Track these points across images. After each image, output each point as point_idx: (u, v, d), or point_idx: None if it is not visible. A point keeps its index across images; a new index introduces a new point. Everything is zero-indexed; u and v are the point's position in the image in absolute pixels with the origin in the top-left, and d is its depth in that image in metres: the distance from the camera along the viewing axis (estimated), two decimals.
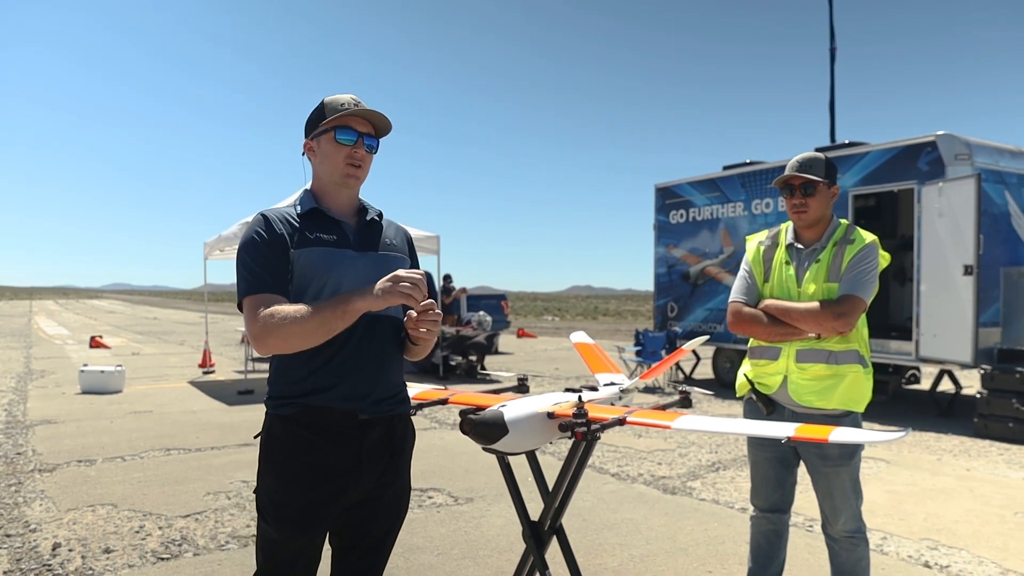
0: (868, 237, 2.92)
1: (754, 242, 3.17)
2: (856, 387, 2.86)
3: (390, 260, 2.21)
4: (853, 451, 2.86)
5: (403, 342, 2.24)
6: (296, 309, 1.96)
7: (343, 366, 2.07)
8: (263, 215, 2.12)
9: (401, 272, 1.96)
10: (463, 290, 16.47)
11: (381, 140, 2.23)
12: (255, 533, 2.21)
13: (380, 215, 2.29)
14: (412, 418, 2.35)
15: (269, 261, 2.05)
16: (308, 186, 2.24)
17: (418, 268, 2.36)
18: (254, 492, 2.16)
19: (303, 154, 2.24)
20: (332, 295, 2.05)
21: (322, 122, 2.15)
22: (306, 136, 2.21)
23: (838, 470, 2.85)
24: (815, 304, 2.84)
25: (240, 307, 2.05)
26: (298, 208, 2.15)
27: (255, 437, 2.21)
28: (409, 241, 2.39)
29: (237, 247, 2.12)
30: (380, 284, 1.95)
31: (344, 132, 2.13)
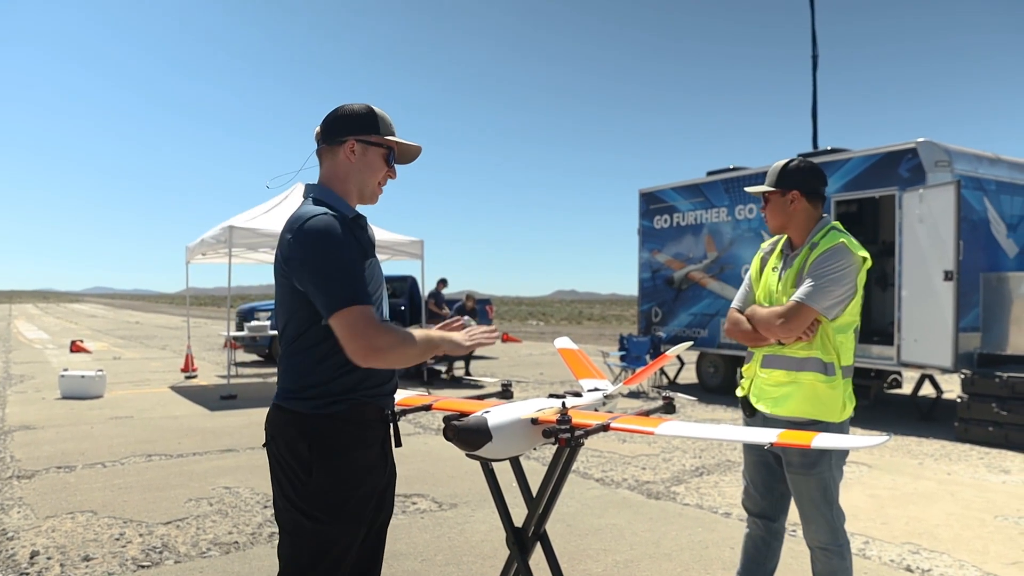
0: (834, 240, 2.84)
1: (760, 249, 3.22)
2: (814, 396, 2.79)
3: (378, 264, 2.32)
4: (814, 462, 2.79)
5: None
6: (408, 336, 2.06)
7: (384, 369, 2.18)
8: (338, 220, 2.06)
9: (478, 333, 2.23)
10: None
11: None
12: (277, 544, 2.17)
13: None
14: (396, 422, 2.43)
15: (362, 270, 2.08)
16: (330, 187, 2.20)
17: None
18: (296, 500, 2.06)
19: (341, 147, 2.19)
20: (374, 303, 2.12)
21: (377, 134, 2.21)
22: (351, 133, 2.17)
23: (801, 479, 2.83)
24: (769, 310, 2.90)
25: (333, 308, 1.96)
26: (346, 213, 2.16)
27: (264, 446, 2.21)
28: None
29: (314, 243, 2.01)
30: (470, 339, 2.21)
31: (393, 156, 2.26)
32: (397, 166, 2.32)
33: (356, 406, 2.10)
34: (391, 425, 2.27)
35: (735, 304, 3.14)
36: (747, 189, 3.07)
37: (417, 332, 2.10)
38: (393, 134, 2.26)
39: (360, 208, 2.27)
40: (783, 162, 3.00)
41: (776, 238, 3.17)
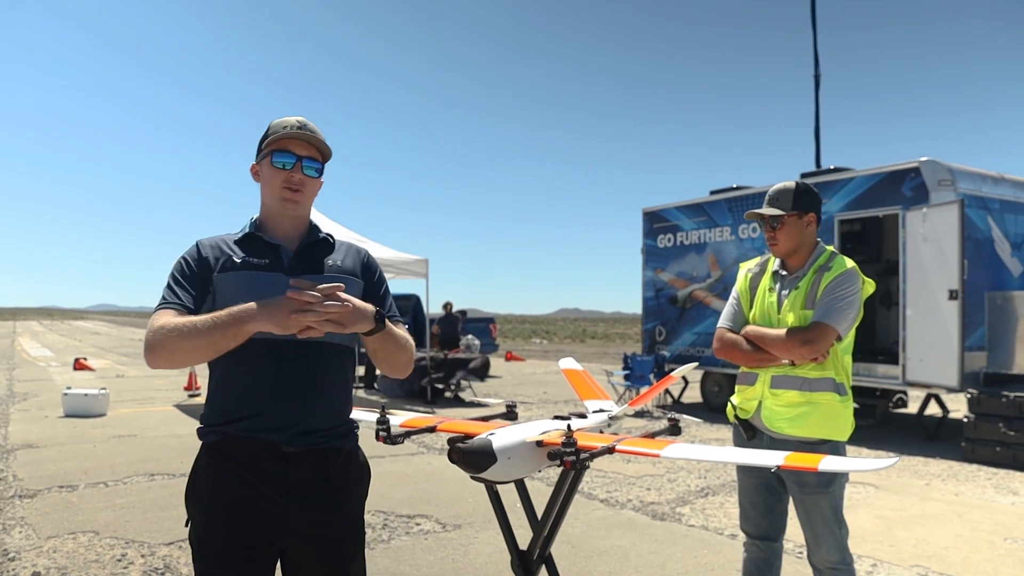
0: (846, 264, 2.92)
1: (744, 269, 3.20)
2: (832, 416, 2.85)
3: (328, 282, 2.03)
4: (831, 479, 2.82)
5: (349, 368, 2.16)
6: (186, 322, 1.84)
7: (264, 394, 1.97)
8: (196, 242, 2.10)
9: (304, 288, 1.75)
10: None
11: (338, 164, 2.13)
12: None
13: (330, 237, 2.21)
14: (362, 452, 2.20)
15: (188, 281, 2.01)
16: (261, 211, 2.16)
17: (386, 288, 2.27)
18: (185, 525, 2.06)
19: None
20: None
21: (264, 145, 2.09)
22: (255, 159, 2.15)
23: (815, 498, 2.83)
24: (780, 331, 2.88)
25: None
26: (242, 231, 2.12)
27: None
28: (366, 262, 2.24)
29: None
30: (287, 305, 1.76)
31: (281, 155, 2.05)
32: (326, 165, 2.13)
33: (230, 439, 1.98)
34: (291, 467, 1.98)
35: (724, 324, 3.11)
36: (765, 211, 2.96)
37: (208, 318, 1.83)
38: (283, 133, 2.05)
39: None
40: (792, 184, 3.00)
41: (763, 259, 3.17)
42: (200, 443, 2.06)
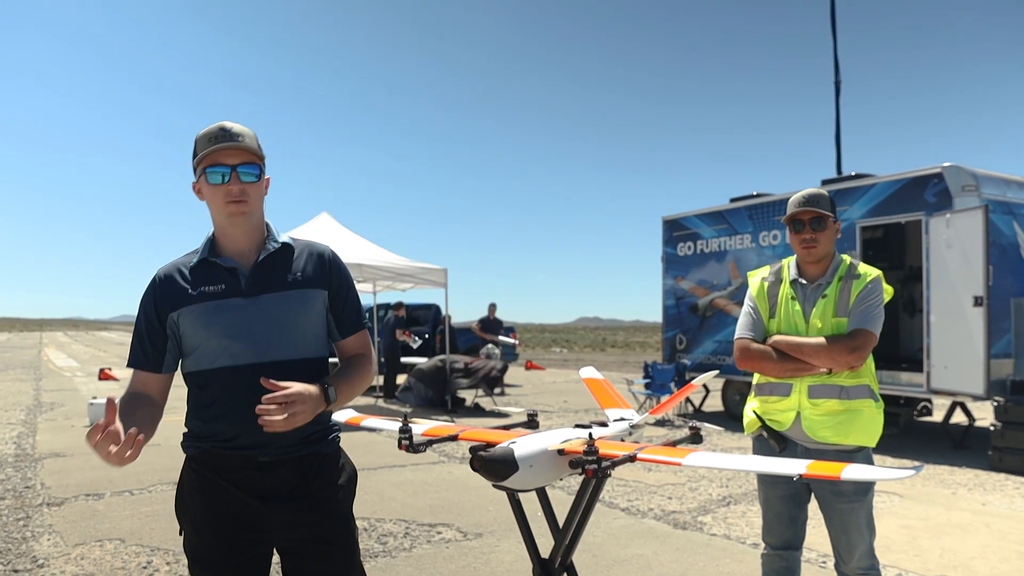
0: (873, 272, 2.94)
1: (757, 278, 3.17)
2: (872, 422, 2.87)
3: (289, 300, 2.07)
4: (867, 487, 2.85)
5: (323, 376, 2.12)
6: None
7: (237, 418, 1.99)
8: (154, 277, 2.10)
9: None
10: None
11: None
12: None
13: (290, 241, 2.16)
14: (344, 454, 2.25)
15: (148, 331, 2.07)
16: (214, 230, 2.14)
17: (349, 292, 2.24)
18: (179, 534, 2.13)
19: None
20: (214, 351, 2.02)
21: (196, 163, 2.04)
22: (194, 178, 2.10)
23: (853, 506, 2.83)
24: (827, 339, 2.85)
25: None
26: (199, 257, 2.09)
27: None
28: (329, 265, 2.19)
29: None
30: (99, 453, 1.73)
31: (214, 170, 1.99)
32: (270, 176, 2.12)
33: (209, 453, 2.06)
34: (267, 475, 2.04)
35: (746, 334, 3.06)
36: (810, 208, 2.89)
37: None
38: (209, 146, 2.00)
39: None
40: (824, 191, 3.01)
41: (775, 267, 3.14)
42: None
